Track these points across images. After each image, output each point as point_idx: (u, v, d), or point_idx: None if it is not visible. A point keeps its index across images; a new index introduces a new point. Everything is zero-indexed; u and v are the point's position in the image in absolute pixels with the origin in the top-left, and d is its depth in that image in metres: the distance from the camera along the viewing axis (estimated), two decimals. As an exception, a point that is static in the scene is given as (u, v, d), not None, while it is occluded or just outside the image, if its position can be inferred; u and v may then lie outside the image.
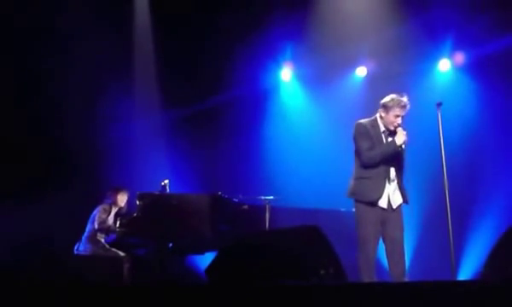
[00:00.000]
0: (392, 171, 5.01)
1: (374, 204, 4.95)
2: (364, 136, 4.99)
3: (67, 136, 7.48)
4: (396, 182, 5.02)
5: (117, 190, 6.64)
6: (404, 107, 4.94)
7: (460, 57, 7.80)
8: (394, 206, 4.99)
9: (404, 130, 4.96)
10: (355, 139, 5.05)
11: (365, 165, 4.98)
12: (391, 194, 5.00)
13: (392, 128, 4.97)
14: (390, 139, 4.98)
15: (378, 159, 4.94)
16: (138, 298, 3.16)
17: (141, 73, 8.08)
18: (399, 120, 4.94)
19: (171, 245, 6.25)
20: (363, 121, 5.07)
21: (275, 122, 8.20)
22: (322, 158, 7.46)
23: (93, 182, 6.82)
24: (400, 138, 4.92)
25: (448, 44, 7.70)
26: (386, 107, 4.97)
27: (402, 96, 4.97)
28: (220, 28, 7.82)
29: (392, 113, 4.94)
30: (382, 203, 4.97)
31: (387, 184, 4.97)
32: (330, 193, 6.58)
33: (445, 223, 5.47)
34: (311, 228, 3.96)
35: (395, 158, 4.99)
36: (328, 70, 7.88)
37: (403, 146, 4.91)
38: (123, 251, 6.39)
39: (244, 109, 8.06)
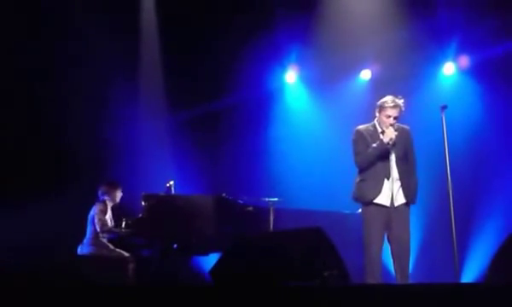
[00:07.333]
0: (394, 170, 5.08)
1: (372, 202, 5.05)
2: (357, 141, 5.20)
3: (72, 137, 7.47)
4: (400, 181, 5.07)
5: (114, 186, 6.59)
6: (394, 107, 5.07)
7: (465, 61, 7.76)
8: (396, 204, 5.04)
9: (396, 130, 5.07)
10: (352, 145, 5.23)
11: (360, 168, 5.17)
12: (395, 193, 5.06)
13: (384, 127, 5.09)
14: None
15: (368, 160, 5.10)
16: (143, 299, 3.18)
17: (146, 75, 8.07)
18: (391, 120, 5.07)
19: (175, 245, 6.27)
20: (360, 127, 5.25)
21: (279, 124, 8.19)
22: (327, 160, 7.46)
23: (98, 183, 6.81)
24: (387, 136, 5.03)
25: (453, 48, 7.67)
26: (379, 108, 5.15)
27: (397, 98, 5.11)
28: (225, 30, 7.83)
29: (384, 113, 5.10)
30: (381, 200, 5.05)
31: (387, 183, 5.05)
32: (334, 195, 6.61)
33: (448, 225, 5.49)
34: (315, 230, 3.98)
35: (399, 157, 5.08)
36: (333, 72, 7.88)
37: (390, 143, 5.01)
38: (127, 252, 6.40)
39: (249, 111, 8.06)
